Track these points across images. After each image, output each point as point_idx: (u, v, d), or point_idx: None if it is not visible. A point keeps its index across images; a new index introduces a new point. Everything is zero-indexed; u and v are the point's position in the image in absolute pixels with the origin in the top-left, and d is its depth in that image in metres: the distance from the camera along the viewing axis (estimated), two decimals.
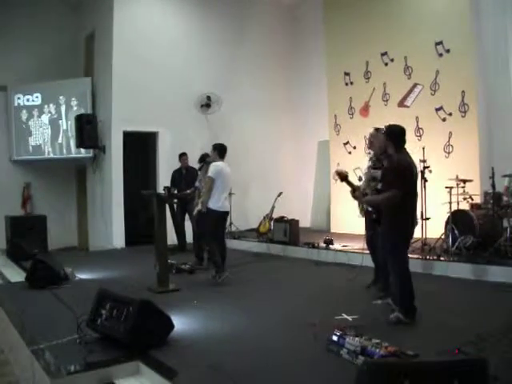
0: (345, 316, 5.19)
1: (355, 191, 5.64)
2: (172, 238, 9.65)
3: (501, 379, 2.94)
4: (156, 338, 4.28)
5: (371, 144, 6.32)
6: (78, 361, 3.96)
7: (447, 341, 4.17)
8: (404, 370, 2.76)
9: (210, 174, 7.24)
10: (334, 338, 4.15)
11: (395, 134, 5.16)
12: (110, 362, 4.04)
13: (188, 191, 8.71)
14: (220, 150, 7.52)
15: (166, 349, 4.25)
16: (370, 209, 5.77)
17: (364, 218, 6.46)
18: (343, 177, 5.69)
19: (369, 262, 6.67)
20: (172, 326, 4.43)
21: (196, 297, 6.22)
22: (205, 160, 8.44)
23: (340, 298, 6.16)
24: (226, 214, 7.49)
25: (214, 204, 7.17)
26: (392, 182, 4.94)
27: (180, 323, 4.78)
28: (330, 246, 9.02)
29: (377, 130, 6.23)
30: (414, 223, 5.21)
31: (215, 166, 7.28)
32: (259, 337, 4.65)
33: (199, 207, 7.28)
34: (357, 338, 3.99)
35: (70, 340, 4.44)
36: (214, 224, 7.28)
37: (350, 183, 5.70)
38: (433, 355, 3.75)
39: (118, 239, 11.48)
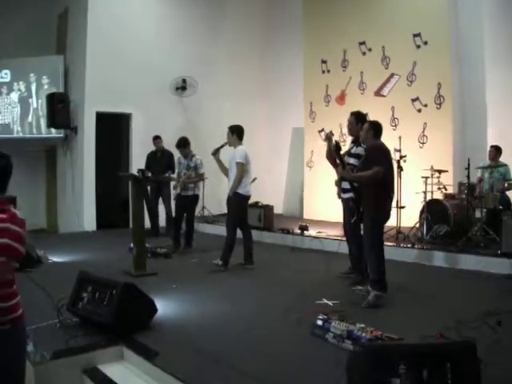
0: (325, 301, 5.24)
1: (344, 166, 5.61)
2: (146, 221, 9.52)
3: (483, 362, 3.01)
4: (140, 321, 4.25)
5: (350, 130, 6.38)
6: (60, 346, 3.91)
7: (426, 327, 4.24)
8: (399, 352, 2.80)
9: (239, 159, 7.05)
10: (319, 322, 4.19)
11: (378, 128, 5.51)
12: (94, 346, 3.99)
13: (172, 175, 8.59)
14: (239, 133, 7.29)
15: (149, 333, 4.24)
16: (346, 195, 5.97)
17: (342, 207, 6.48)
18: (338, 147, 5.68)
19: (344, 249, 6.73)
20: (155, 310, 4.41)
21: (175, 281, 6.20)
22: (185, 145, 8.34)
23: (319, 284, 6.21)
24: (249, 198, 7.42)
25: (242, 189, 7.07)
26: (376, 160, 5.26)
27: (161, 307, 4.74)
28: (305, 232, 9.06)
29: (353, 114, 6.31)
30: (391, 201, 5.51)
31: (242, 151, 7.12)
32: (242, 322, 4.66)
33: (178, 191, 7.18)
34: (342, 323, 4.04)
35: (49, 324, 4.36)
36: (242, 210, 7.26)
37: (340, 156, 5.68)
38: (416, 340, 3.80)
39: (89, 222, 11.32)
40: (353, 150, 6.12)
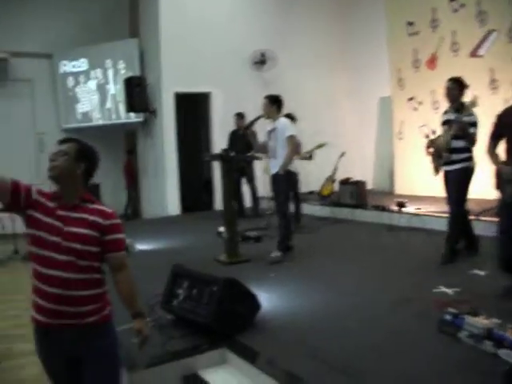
0: (443, 289, 4.61)
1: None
2: None
3: None
4: (242, 320, 3.77)
5: (449, 96, 5.68)
6: (156, 349, 3.50)
7: None
8: None
9: (290, 132, 6.21)
10: (448, 317, 3.59)
11: None
12: (194, 350, 3.58)
13: (259, 154, 8.08)
14: (279, 103, 6.45)
15: (252, 332, 3.76)
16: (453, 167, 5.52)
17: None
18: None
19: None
20: (259, 306, 3.92)
21: (270, 268, 5.71)
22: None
23: (429, 268, 5.52)
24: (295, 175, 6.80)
25: (291, 165, 6.48)
26: None
27: (261, 300, 4.19)
28: (403, 208, 8.36)
29: (455, 80, 5.63)
30: None
31: (287, 122, 6.36)
32: (354, 316, 4.11)
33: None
34: (477, 318, 3.43)
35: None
36: (287, 189, 6.52)
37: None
38: None
39: (173, 206, 11.06)
40: (466, 118, 5.42)
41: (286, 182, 6.27)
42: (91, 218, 2.51)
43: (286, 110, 6.89)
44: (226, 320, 3.65)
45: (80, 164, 2.55)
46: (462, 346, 3.35)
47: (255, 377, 3.31)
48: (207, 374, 3.48)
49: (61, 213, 2.49)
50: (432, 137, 6.12)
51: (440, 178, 5.81)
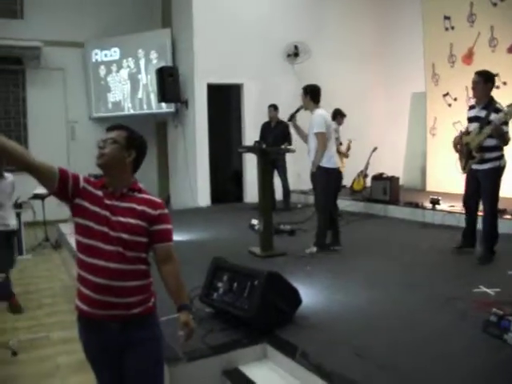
0: (484, 289, 4.52)
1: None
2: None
3: None
4: (284, 315, 3.72)
5: (474, 90, 5.62)
6: (196, 342, 3.45)
7: None
8: None
9: (318, 128, 6.00)
10: (493, 318, 3.51)
11: None
12: (234, 344, 3.54)
13: (289, 147, 8.02)
14: (313, 94, 6.21)
15: (293, 327, 3.71)
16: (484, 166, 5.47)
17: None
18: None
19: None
20: (300, 301, 3.86)
21: (306, 262, 5.65)
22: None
23: (467, 267, 5.44)
24: (338, 171, 6.37)
25: (327, 161, 6.05)
26: None
27: (300, 295, 4.15)
28: (437, 206, 8.24)
29: (480, 74, 5.54)
30: None
31: (318, 117, 6.05)
32: (394, 313, 4.03)
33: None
34: None
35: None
36: (331, 185, 6.18)
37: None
38: None
39: (203, 197, 11.05)
40: (492, 117, 5.32)
41: (322, 178, 6.08)
42: (139, 207, 2.48)
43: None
44: (267, 314, 3.60)
45: (130, 152, 2.52)
46: (508, 348, 3.28)
47: (296, 372, 3.26)
48: (248, 369, 3.44)
49: (108, 202, 2.46)
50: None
51: None
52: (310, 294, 4.44)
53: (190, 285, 4.20)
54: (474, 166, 5.57)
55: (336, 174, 6.27)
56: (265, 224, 6.05)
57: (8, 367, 4.54)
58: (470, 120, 5.66)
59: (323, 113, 6.16)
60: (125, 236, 2.42)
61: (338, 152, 8.73)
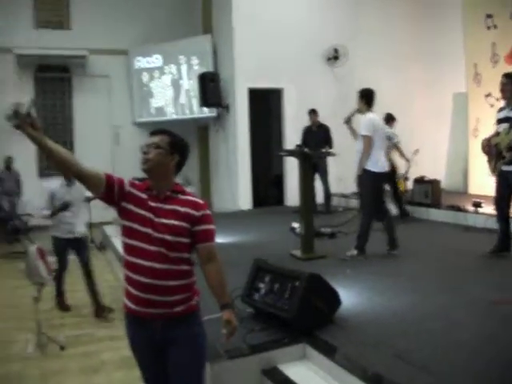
0: None
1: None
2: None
3: None
4: (323, 316, 3.77)
5: (503, 92, 5.59)
6: (237, 341, 3.56)
7: None
8: None
9: (364, 131, 6.00)
10: None
11: None
12: (274, 344, 3.62)
13: (330, 150, 8.06)
14: (367, 98, 6.17)
15: (332, 328, 3.75)
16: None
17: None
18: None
19: None
20: (339, 303, 3.92)
21: (347, 265, 5.68)
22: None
23: (509, 271, 5.38)
24: (385, 175, 6.29)
25: (373, 165, 5.98)
26: None
27: (340, 297, 4.16)
28: (479, 209, 8.13)
29: (504, 75, 5.55)
30: None
31: (367, 120, 6.05)
32: (437, 317, 3.98)
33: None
34: None
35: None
36: (376, 189, 6.14)
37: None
38: None
39: (245, 200, 11.16)
40: None
41: (368, 181, 6.07)
42: (183, 209, 2.55)
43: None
44: (307, 315, 3.66)
45: (173, 156, 2.59)
46: None
47: (335, 373, 3.30)
48: (287, 369, 3.50)
49: (152, 204, 2.54)
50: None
51: None
52: (350, 296, 4.47)
53: (232, 285, 4.29)
54: (505, 168, 5.50)
55: (382, 178, 6.22)
56: (305, 227, 6.11)
57: (55, 361, 4.77)
58: (500, 121, 5.60)
59: (372, 117, 6.13)
60: (168, 237, 2.50)
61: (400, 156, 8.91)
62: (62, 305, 6.10)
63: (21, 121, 2.27)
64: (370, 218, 6.15)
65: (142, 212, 2.53)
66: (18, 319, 5.87)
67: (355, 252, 6.10)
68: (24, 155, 11.77)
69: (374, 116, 6.15)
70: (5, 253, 9.90)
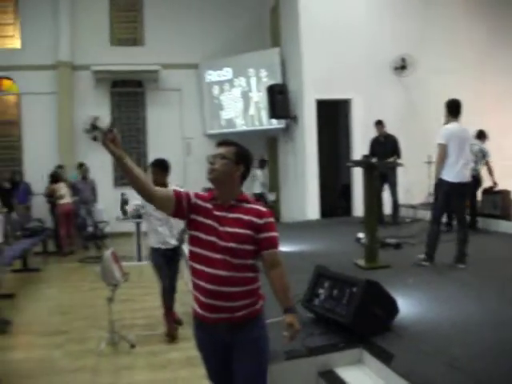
0: None
1: None
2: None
3: None
4: (380, 323, 3.83)
5: None
6: (296, 344, 3.68)
7: None
8: None
9: (438, 139, 6.10)
10: None
11: None
12: (331, 348, 3.71)
13: (398, 160, 8.04)
14: (450, 108, 6.24)
15: (390, 336, 3.78)
16: None
17: None
18: None
19: None
20: (397, 310, 3.95)
21: (409, 275, 5.67)
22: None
23: None
24: (461, 185, 6.11)
25: (448, 174, 6.03)
26: None
27: (399, 305, 4.13)
28: None
29: None
30: None
31: (444, 129, 6.12)
32: (495, 330, 3.90)
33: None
34: None
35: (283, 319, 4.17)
36: (444, 198, 6.14)
37: None
38: None
39: (313, 210, 11.22)
40: None
41: (440, 190, 6.16)
42: (246, 217, 2.64)
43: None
44: (364, 321, 3.73)
45: (239, 166, 2.69)
46: None
47: (390, 379, 3.34)
48: (343, 372, 3.58)
49: (217, 213, 2.65)
50: None
51: None
52: (409, 305, 4.49)
53: (294, 292, 4.40)
54: None
55: (456, 188, 6.10)
56: (369, 237, 6.16)
57: (126, 357, 5.13)
58: None
59: (451, 126, 6.15)
60: (232, 245, 2.60)
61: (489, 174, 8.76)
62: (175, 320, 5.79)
63: (103, 136, 2.42)
64: (437, 224, 6.21)
65: (208, 221, 2.64)
66: (92, 318, 6.30)
67: (422, 256, 6.21)
68: (100, 165, 12.35)
69: (453, 126, 6.14)
70: (81, 258, 10.47)
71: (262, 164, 13.01)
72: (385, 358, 3.49)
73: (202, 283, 2.63)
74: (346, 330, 3.81)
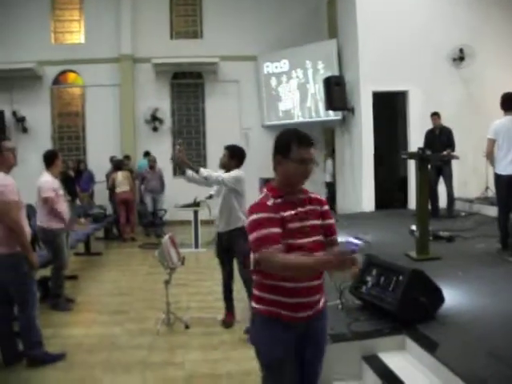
0: None
1: None
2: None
3: None
4: (425, 311, 3.92)
5: None
6: (342, 328, 3.86)
7: None
8: None
9: (488, 134, 6.26)
10: None
11: None
12: (375, 333, 3.85)
13: (453, 153, 7.97)
14: (504, 101, 6.37)
15: (434, 324, 3.87)
16: None
17: None
18: None
19: None
20: (442, 300, 4.03)
21: (460, 267, 5.68)
22: None
23: None
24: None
25: (499, 167, 6.16)
26: None
27: (446, 295, 4.20)
28: None
29: None
30: None
31: (492, 125, 6.29)
32: None
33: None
34: None
35: (331, 305, 4.29)
36: (500, 192, 6.31)
37: None
38: None
39: (368, 202, 11.22)
40: None
41: (495, 184, 6.37)
42: (315, 207, 2.72)
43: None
44: (409, 308, 3.83)
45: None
46: None
47: (432, 366, 3.42)
48: (386, 357, 3.70)
49: (299, 209, 2.65)
50: None
51: None
52: (455, 295, 4.54)
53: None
54: None
55: (506, 180, 6.12)
56: (421, 228, 6.21)
57: (180, 337, 5.44)
58: None
59: (499, 120, 6.26)
60: (318, 238, 2.67)
61: None
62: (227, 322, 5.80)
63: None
64: (503, 216, 6.30)
65: (294, 225, 2.61)
66: (150, 300, 6.67)
67: (499, 246, 6.30)
68: (161, 155, 12.72)
69: (501, 120, 6.22)
70: (141, 244, 10.90)
71: (332, 153, 13.11)
72: (428, 345, 3.57)
73: (291, 285, 2.60)
74: (391, 316, 3.93)
